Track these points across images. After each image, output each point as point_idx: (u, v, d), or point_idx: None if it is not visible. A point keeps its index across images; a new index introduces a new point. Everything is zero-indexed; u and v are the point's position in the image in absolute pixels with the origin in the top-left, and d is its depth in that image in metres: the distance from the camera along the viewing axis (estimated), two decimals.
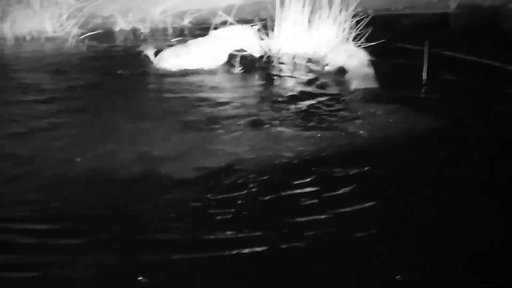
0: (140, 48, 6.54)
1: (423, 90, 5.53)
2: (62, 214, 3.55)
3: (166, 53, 6.28)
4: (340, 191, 3.78)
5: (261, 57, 6.44)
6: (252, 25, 6.40)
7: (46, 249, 3.19)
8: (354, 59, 6.05)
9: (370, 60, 6.04)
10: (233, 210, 3.55)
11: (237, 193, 3.74)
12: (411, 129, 4.68)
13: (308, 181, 3.90)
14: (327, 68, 6.22)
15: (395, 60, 6.40)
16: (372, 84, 5.70)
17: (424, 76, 5.61)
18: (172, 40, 7.31)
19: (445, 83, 5.73)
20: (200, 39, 6.41)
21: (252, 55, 6.35)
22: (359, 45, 6.42)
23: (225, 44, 6.29)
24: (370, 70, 5.94)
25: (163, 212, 3.54)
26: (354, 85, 5.71)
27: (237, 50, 6.34)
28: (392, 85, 5.62)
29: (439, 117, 4.91)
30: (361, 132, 4.64)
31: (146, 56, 6.26)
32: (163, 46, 6.62)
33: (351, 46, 6.30)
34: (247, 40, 6.29)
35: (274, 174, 3.98)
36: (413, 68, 5.81)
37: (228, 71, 6.14)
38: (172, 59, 6.21)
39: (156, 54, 6.27)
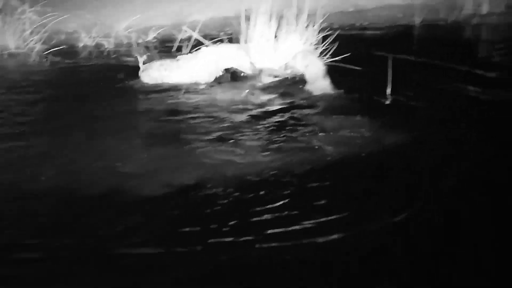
0: (134, 53, 6.55)
1: (390, 98, 5.58)
2: (24, 241, 3.43)
3: (154, 66, 6.29)
4: (318, 203, 3.76)
5: (232, 71, 6.49)
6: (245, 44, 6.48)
7: (9, 280, 3.11)
8: (312, 68, 6.16)
9: (327, 69, 6.16)
10: (202, 229, 3.50)
11: (207, 211, 3.69)
12: (381, 139, 4.68)
13: (282, 196, 3.85)
14: (287, 76, 6.37)
15: (364, 68, 6.49)
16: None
17: (389, 90, 5.65)
18: (158, 52, 7.30)
19: (417, 88, 5.81)
20: (190, 55, 6.45)
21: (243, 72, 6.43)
22: (325, 58, 6.48)
23: (216, 61, 6.32)
24: (327, 81, 6.07)
25: (132, 234, 3.47)
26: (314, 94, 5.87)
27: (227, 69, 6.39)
28: (358, 92, 5.74)
29: (409, 124, 4.97)
30: (329, 145, 4.65)
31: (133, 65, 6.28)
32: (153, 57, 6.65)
33: (310, 55, 6.37)
34: (239, 59, 6.35)
35: (243, 191, 3.93)
36: (382, 75, 5.84)
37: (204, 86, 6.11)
38: (158, 72, 6.24)
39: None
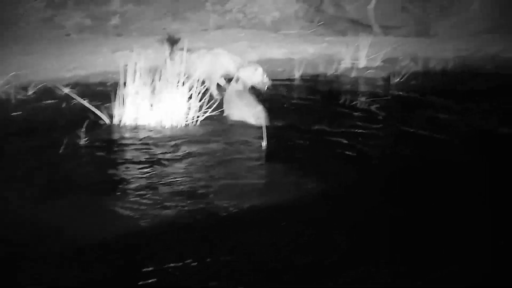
0: None
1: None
2: None
3: None
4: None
5: (108, 126, 6.67)
6: None
7: None
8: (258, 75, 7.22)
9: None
10: None
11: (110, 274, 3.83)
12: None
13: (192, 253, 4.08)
14: (238, 86, 7.18)
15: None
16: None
17: (264, 143, 6.09)
18: None
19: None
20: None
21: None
22: (204, 114, 6.83)
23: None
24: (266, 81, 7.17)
25: None
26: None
27: None
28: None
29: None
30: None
31: None
32: None
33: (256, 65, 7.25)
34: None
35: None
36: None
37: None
38: None
39: None
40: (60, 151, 5.91)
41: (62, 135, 6.26)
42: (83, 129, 6.24)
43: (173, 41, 7.84)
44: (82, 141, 6.18)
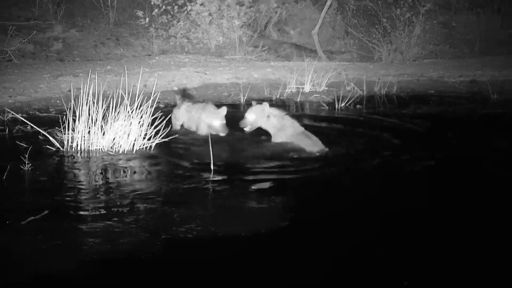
0: None
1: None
2: None
3: None
4: None
5: (57, 151, 6.69)
6: None
7: None
8: (274, 119, 6.91)
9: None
10: None
11: None
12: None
13: None
14: (247, 129, 7.05)
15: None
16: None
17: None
18: None
19: None
20: None
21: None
22: (153, 142, 6.89)
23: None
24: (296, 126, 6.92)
25: None
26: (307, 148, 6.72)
27: None
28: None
29: None
30: None
31: None
32: None
33: (267, 107, 6.98)
34: None
35: None
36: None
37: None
38: None
39: None
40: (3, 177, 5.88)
41: (5, 162, 6.12)
42: (27, 155, 6.12)
43: (182, 93, 8.04)
44: (27, 167, 6.09)
